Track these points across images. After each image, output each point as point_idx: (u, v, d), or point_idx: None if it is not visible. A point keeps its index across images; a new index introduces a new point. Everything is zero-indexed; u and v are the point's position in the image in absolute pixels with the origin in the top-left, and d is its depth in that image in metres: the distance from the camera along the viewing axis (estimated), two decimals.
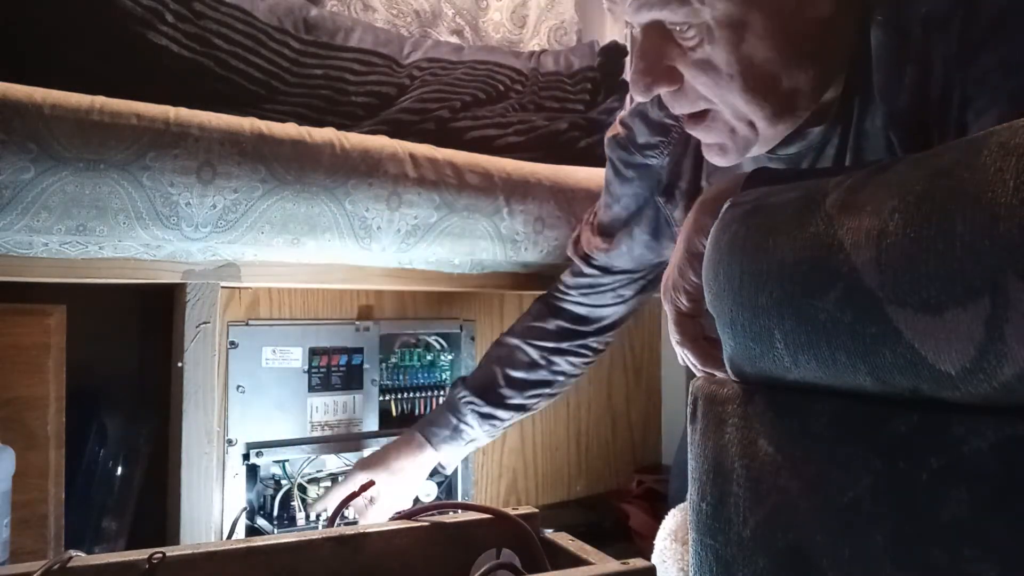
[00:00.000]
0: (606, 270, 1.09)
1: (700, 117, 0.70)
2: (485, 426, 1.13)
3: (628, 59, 0.76)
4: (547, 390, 1.15)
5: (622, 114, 1.00)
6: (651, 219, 1.00)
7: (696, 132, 0.72)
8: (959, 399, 0.38)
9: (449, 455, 1.14)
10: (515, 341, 1.15)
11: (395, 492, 1.10)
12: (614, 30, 1.83)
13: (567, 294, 1.14)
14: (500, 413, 1.13)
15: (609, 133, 1.02)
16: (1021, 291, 0.33)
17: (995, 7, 0.58)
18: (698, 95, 0.68)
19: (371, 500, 1.09)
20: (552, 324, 1.14)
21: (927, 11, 0.62)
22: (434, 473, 1.16)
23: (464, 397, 1.13)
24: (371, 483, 1.06)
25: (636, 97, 0.70)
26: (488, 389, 1.13)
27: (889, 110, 0.65)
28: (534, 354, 1.13)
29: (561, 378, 1.15)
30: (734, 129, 0.69)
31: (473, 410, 1.12)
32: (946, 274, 0.36)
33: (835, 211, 0.43)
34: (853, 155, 0.70)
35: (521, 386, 1.13)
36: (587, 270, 1.11)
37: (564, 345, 1.13)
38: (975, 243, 0.35)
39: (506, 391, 1.13)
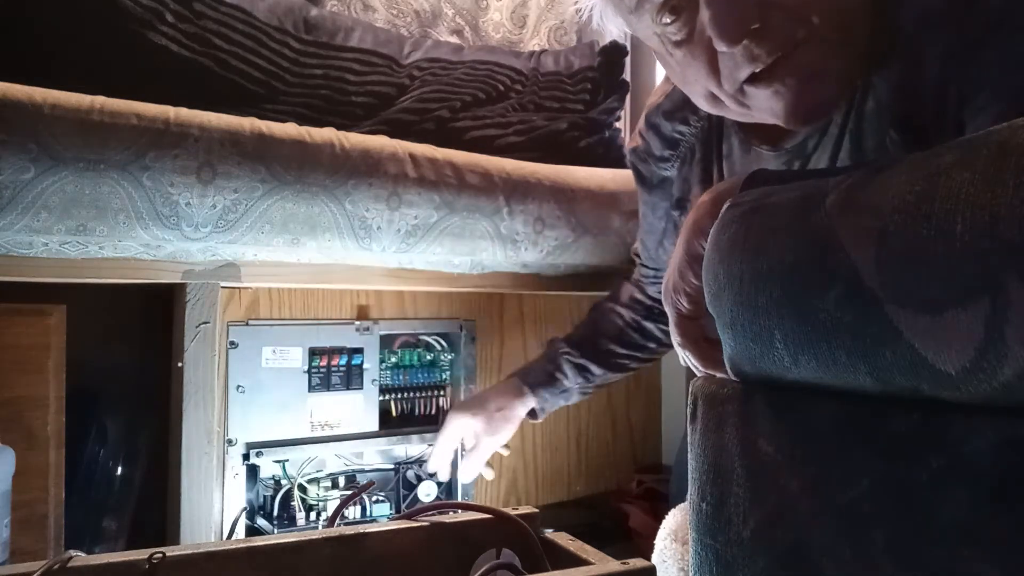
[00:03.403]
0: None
1: (779, 63, 0.63)
2: (579, 378, 1.17)
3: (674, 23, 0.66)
4: (638, 353, 1.17)
5: (639, 125, 0.98)
6: (674, 232, 0.99)
7: (771, 91, 0.64)
8: (959, 399, 0.38)
9: (543, 400, 1.18)
10: (611, 304, 1.18)
11: (493, 431, 1.16)
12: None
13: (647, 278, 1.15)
14: (593, 368, 1.16)
15: (629, 145, 1.01)
16: (1021, 291, 0.33)
17: (993, 4, 0.58)
18: (786, 19, 0.61)
19: (465, 445, 1.18)
20: (642, 295, 1.16)
21: (922, 9, 0.61)
22: (532, 415, 1.20)
23: (560, 348, 1.18)
24: (371, 483, 1.06)
25: (724, 47, 0.62)
26: (583, 343, 1.18)
27: (883, 105, 0.65)
28: (627, 316, 1.16)
29: (652, 344, 1.17)
30: (827, 52, 0.63)
31: (568, 359, 1.16)
32: (946, 274, 0.36)
33: (835, 211, 0.43)
34: (852, 140, 0.69)
35: (616, 342, 1.17)
36: (651, 291, 1.13)
37: (656, 312, 1.14)
38: (975, 243, 0.35)
39: (600, 346, 1.17)
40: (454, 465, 1.22)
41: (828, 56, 0.63)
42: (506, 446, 1.26)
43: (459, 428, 1.19)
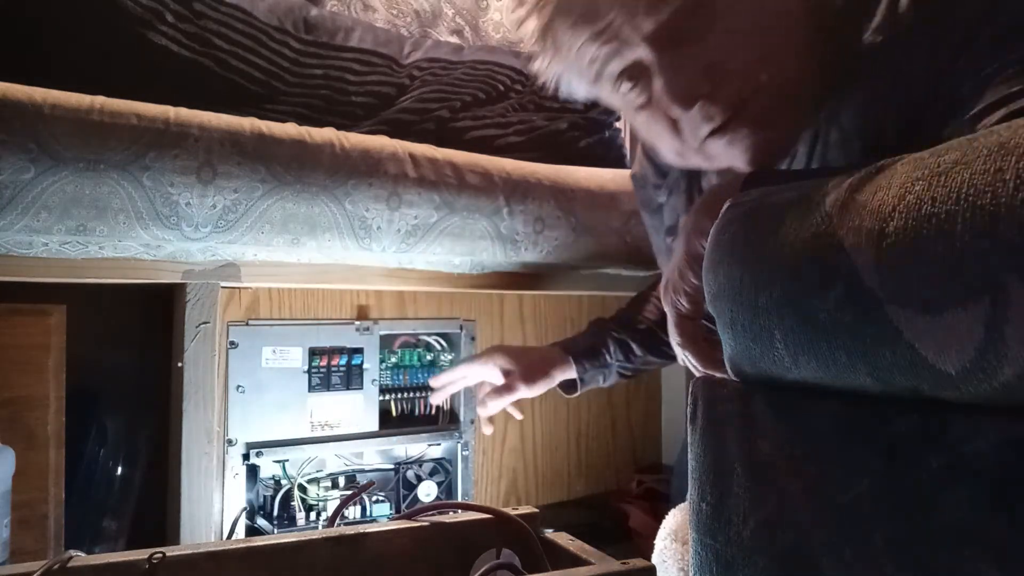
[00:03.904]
0: None
1: (734, 118, 0.66)
2: (619, 355, 1.17)
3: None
4: None
5: (638, 151, 1.00)
6: (668, 255, 1.02)
7: (730, 142, 0.68)
8: (959, 399, 0.38)
9: (584, 371, 1.17)
10: (652, 292, 1.19)
11: (528, 379, 1.15)
12: None
13: None
14: (635, 347, 1.17)
15: (631, 169, 1.03)
16: (1021, 291, 0.33)
17: (964, 15, 0.58)
18: (734, 80, 0.65)
19: (495, 381, 1.16)
20: None
21: (886, 35, 0.62)
22: (569, 388, 1.19)
23: (605, 324, 1.19)
24: (371, 483, 1.06)
25: (679, 111, 0.66)
26: (627, 323, 1.19)
27: (848, 133, 0.66)
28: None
29: None
30: (776, 103, 0.66)
31: (613, 335, 1.17)
32: (946, 274, 0.36)
33: (835, 211, 0.43)
34: (819, 160, 0.70)
35: (657, 326, 1.17)
36: None
37: None
38: (975, 243, 0.35)
39: (642, 327, 1.17)
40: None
41: (780, 105, 0.66)
42: (520, 409, 1.24)
43: (494, 360, 1.16)
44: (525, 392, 1.15)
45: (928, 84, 0.60)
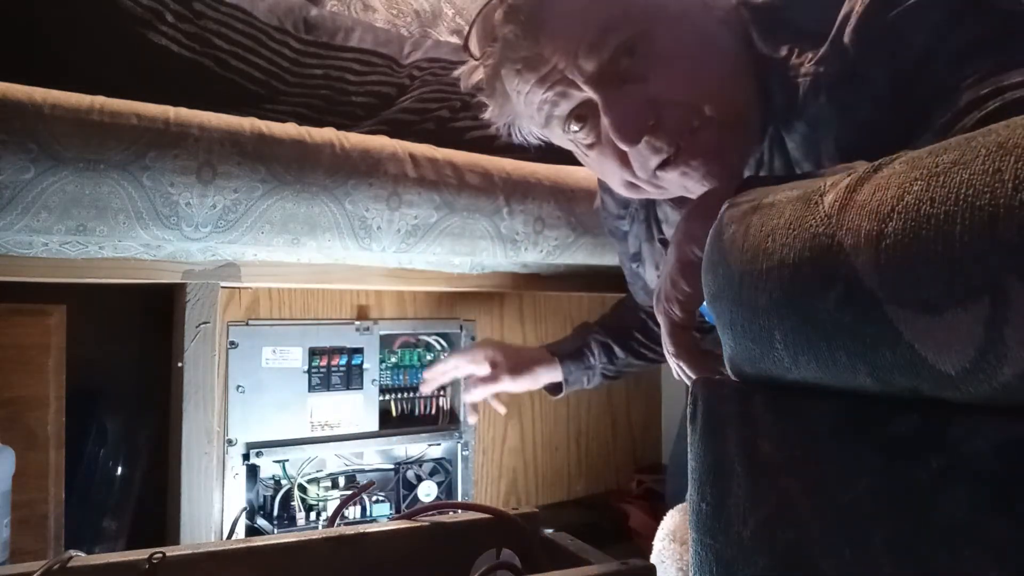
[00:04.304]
0: None
1: (682, 150, 0.69)
2: (603, 358, 1.20)
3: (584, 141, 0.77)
4: (659, 347, 1.21)
5: (598, 186, 1.06)
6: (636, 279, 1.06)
7: (681, 172, 0.70)
8: (959, 399, 0.38)
9: (569, 372, 1.21)
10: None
11: (514, 372, 1.19)
12: None
13: None
14: (617, 350, 1.20)
15: (596, 204, 1.09)
16: (1021, 291, 0.33)
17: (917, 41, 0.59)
18: (677, 113, 0.67)
19: (480, 372, 1.20)
20: None
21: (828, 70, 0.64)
22: (555, 390, 1.22)
23: (590, 328, 1.22)
24: (371, 483, 1.06)
25: (626, 146, 0.69)
26: (610, 326, 1.22)
27: (792, 160, 0.68)
28: (643, 315, 1.19)
29: None
30: (723, 130, 0.69)
31: (596, 338, 1.21)
32: (946, 274, 0.36)
33: (835, 211, 0.43)
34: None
35: (639, 332, 1.20)
36: None
37: None
38: (975, 244, 0.35)
39: (625, 332, 1.21)
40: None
41: (725, 134, 0.69)
42: (504, 404, 1.28)
43: (483, 352, 1.20)
44: (508, 384, 1.19)
45: (879, 109, 0.61)
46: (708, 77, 0.68)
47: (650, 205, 0.94)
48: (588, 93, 0.68)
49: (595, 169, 0.80)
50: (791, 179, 0.56)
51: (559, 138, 0.76)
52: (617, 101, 0.67)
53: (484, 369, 1.19)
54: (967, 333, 0.35)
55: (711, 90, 0.67)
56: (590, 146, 0.73)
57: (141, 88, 1.00)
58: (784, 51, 0.68)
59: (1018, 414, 0.36)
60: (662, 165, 0.70)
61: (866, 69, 0.61)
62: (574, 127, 0.72)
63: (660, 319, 0.65)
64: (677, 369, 0.64)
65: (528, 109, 0.74)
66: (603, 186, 1.01)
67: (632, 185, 0.75)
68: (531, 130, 0.79)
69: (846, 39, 0.62)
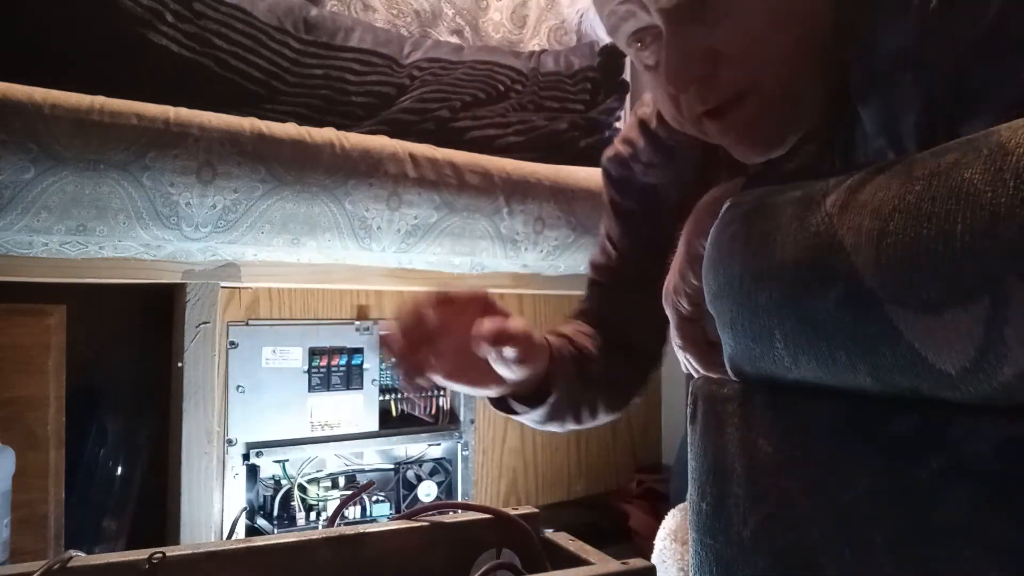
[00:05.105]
0: None
1: (727, 107, 0.68)
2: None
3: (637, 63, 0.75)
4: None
5: (628, 132, 0.99)
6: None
7: (721, 129, 0.70)
8: (959, 399, 0.38)
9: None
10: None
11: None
12: None
13: None
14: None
15: (612, 151, 0.99)
16: (1021, 291, 0.33)
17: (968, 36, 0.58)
18: (733, 72, 0.66)
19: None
20: None
21: (894, 50, 0.62)
22: (541, 399, 1.17)
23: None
24: (371, 483, 1.06)
25: (673, 90, 0.68)
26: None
27: (870, 137, 0.66)
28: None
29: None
30: (770, 105, 0.67)
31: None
32: (946, 274, 0.36)
33: (835, 211, 0.43)
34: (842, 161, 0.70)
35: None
36: None
37: None
38: (975, 243, 0.35)
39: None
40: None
41: (773, 108, 0.67)
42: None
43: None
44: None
45: (949, 83, 0.60)
46: (777, 43, 0.65)
47: (715, 148, 0.87)
48: (656, 20, 0.67)
49: (651, 90, 0.79)
50: (795, 178, 0.56)
51: (624, 48, 0.75)
52: (680, 40, 0.66)
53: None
54: (967, 333, 0.35)
55: (774, 59, 0.65)
56: (648, 68, 0.73)
57: (141, 88, 1.00)
58: (868, 21, 0.66)
59: (1018, 414, 0.36)
60: (707, 114, 0.69)
61: (946, 38, 0.59)
62: (637, 46, 0.71)
63: (668, 312, 0.65)
64: (685, 362, 0.64)
65: (601, 9, 0.72)
66: (644, 128, 0.95)
67: (678, 122, 0.74)
68: (599, 30, 0.79)
69: (932, 5, 0.61)
